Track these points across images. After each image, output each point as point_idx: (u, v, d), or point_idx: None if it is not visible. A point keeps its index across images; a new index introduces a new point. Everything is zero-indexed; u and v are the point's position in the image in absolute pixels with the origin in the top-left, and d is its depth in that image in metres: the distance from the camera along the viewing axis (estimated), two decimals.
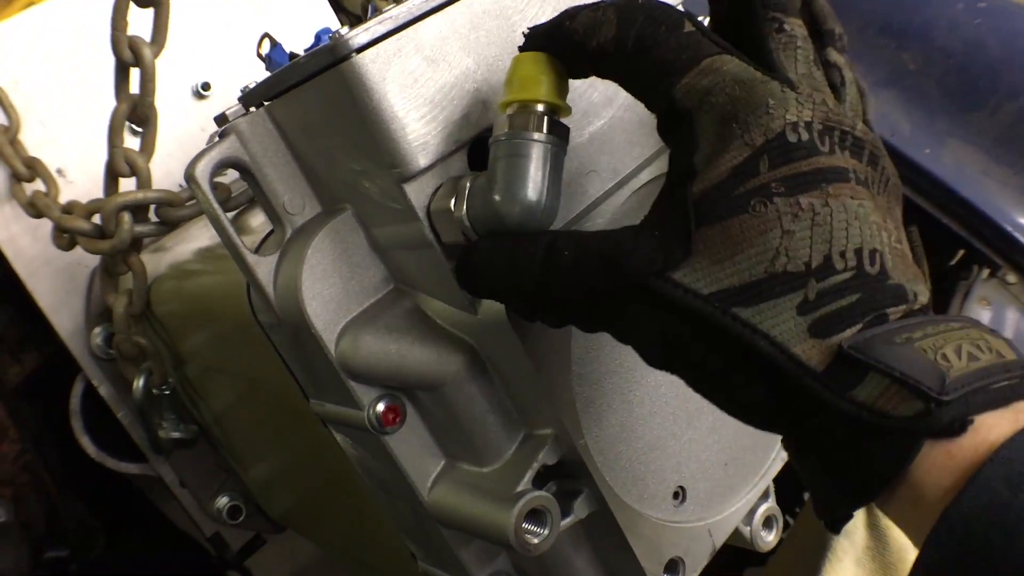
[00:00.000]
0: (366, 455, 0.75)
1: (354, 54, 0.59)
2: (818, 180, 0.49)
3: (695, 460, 0.77)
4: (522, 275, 0.55)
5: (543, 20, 0.67)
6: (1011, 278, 1.34)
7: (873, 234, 0.49)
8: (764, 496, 0.85)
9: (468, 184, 0.59)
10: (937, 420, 0.44)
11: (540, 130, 0.56)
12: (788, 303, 0.48)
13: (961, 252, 1.39)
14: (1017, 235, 1.32)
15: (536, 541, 0.64)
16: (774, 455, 0.84)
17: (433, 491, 0.71)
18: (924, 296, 0.50)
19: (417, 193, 0.62)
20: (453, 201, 0.59)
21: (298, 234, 0.69)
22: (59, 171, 1.22)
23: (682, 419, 0.75)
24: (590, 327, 0.57)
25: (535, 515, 0.64)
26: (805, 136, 0.50)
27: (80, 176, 1.24)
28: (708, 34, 0.53)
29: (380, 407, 0.68)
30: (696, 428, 0.76)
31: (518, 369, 0.65)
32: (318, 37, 0.88)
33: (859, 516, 1.08)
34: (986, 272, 1.35)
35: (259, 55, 0.90)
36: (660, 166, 0.73)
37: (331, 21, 1.41)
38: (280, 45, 0.90)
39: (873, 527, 1.07)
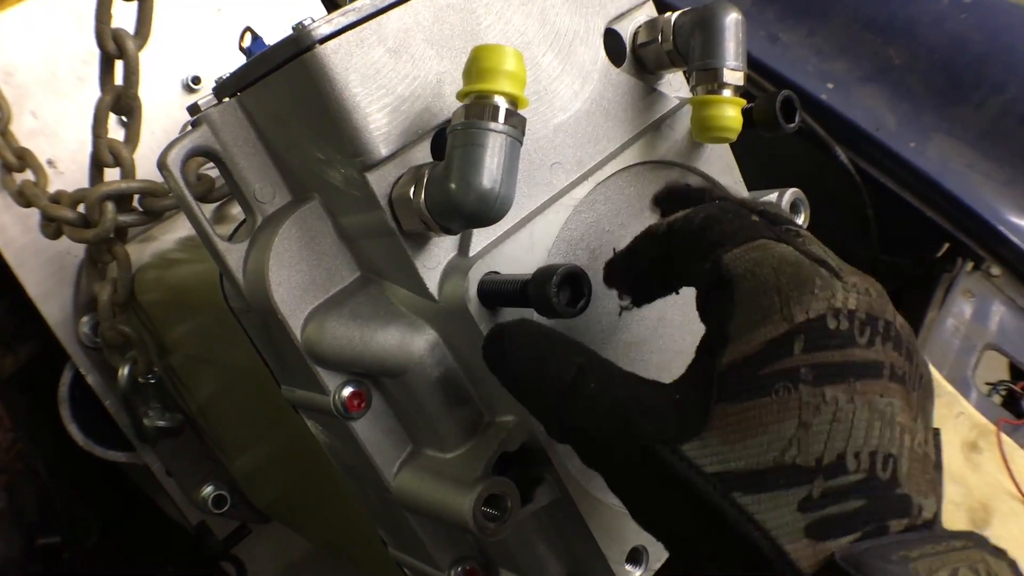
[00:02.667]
0: (336, 442, 0.76)
1: (317, 45, 0.60)
2: (848, 373, 0.47)
3: None
4: (546, 390, 0.55)
5: (509, 14, 0.68)
6: (995, 270, 1.35)
7: (893, 438, 0.47)
8: None
9: (426, 173, 0.60)
10: None
11: (496, 120, 0.57)
12: (791, 497, 0.46)
13: (946, 245, 1.39)
14: (1001, 228, 1.33)
15: (495, 526, 0.64)
16: None
17: (398, 477, 0.72)
18: (930, 510, 0.48)
19: (379, 181, 0.63)
20: (412, 189, 0.61)
21: (267, 222, 0.71)
22: (50, 162, 1.24)
23: None
24: (592, 463, 0.57)
25: (494, 500, 0.65)
26: (845, 325, 0.48)
27: (71, 167, 1.25)
28: (771, 227, 0.53)
29: (346, 392, 0.69)
30: None
31: (478, 354, 0.65)
32: (295, 30, 0.89)
33: None
34: (970, 265, 1.35)
35: (241, 48, 0.91)
36: (625, 159, 0.74)
37: (321, 12, 1.42)
38: (261, 39, 0.91)
39: None
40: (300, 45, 0.60)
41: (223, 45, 1.33)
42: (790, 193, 0.88)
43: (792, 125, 0.75)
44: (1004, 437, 1.16)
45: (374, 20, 0.62)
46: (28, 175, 1.16)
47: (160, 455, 1.29)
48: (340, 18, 0.61)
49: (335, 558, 1.35)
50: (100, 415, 1.29)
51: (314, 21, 0.61)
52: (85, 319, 1.23)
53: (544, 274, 0.57)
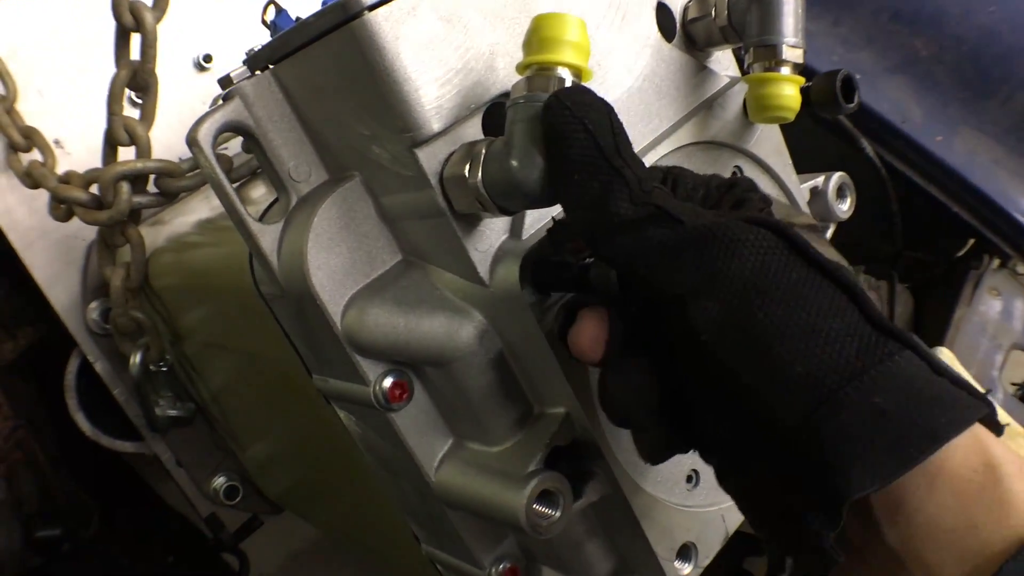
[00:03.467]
0: (370, 433, 0.73)
1: (366, 11, 0.57)
2: None
3: None
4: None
5: None
6: (1022, 268, 1.33)
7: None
8: None
9: (483, 149, 0.57)
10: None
11: None
12: None
13: (971, 241, 1.37)
14: None
15: (547, 523, 0.61)
16: None
17: (440, 471, 0.69)
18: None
19: (429, 159, 0.59)
20: (468, 167, 0.57)
21: (304, 202, 0.67)
22: (57, 142, 1.19)
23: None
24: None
25: (546, 496, 0.61)
26: None
27: (79, 147, 1.21)
28: None
29: (387, 383, 0.65)
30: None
31: (531, 345, 0.62)
32: (325, 2, 0.86)
33: None
34: (996, 262, 1.33)
35: (263, 22, 0.87)
36: (678, 138, 0.71)
37: None
38: (286, 11, 0.87)
39: None
40: (348, 11, 0.57)
41: (235, 23, 1.29)
42: (836, 177, 0.85)
43: (851, 105, 0.72)
44: None
45: None
46: (35, 155, 1.12)
47: (171, 445, 1.25)
48: None
49: (347, 549, 1.32)
50: (107, 404, 1.25)
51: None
52: (94, 305, 1.19)
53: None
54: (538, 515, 0.61)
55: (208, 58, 1.26)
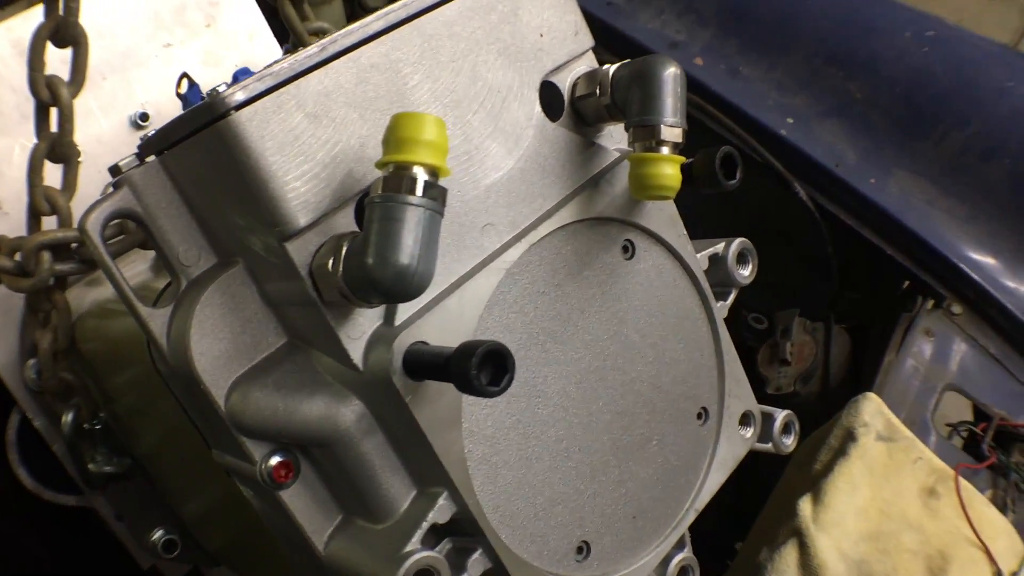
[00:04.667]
0: (267, 508, 0.74)
1: (232, 112, 0.58)
2: None
3: (600, 514, 0.76)
4: None
5: (437, 72, 0.66)
6: (956, 308, 1.33)
7: None
8: (679, 546, 0.84)
9: (345, 245, 0.58)
10: None
11: (414, 192, 0.55)
12: None
13: (906, 283, 1.38)
14: (962, 266, 1.32)
15: None
16: (688, 505, 0.83)
17: (329, 547, 0.70)
18: None
19: (299, 251, 0.61)
20: (331, 261, 0.59)
21: (192, 286, 0.68)
22: None
23: (586, 473, 0.74)
24: None
25: (424, 575, 0.63)
26: None
27: (17, 207, 1.22)
28: None
29: (272, 462, 0.67)
30: (601, 482, 0.75)
31: (404, 426, 0.64)
32: (235, 77, 0.88)
33: (792, 556, 1.07)
34: (931, 303, 1.34)
35: (178, 95, 0.89)
36: (562, 216, 0.73)
37: (272, 52, 1.39)
38: (197, 86, 0.89)
39: (805, 567, 1.07)
40: (214, 112, 0.58)
41: (170, 82, 1.30)
42: (737, 243, 0.86)
43: (733, 182, 0.74)
44: (963, 482, 1.15)
45: (292, 84, 0.60)
46: None
47: (109, 499, 1.26)
48: (256, 83, 0.59)
49: None
50: (51, 458, 1.25)
51: (228, 87, 0.59)
52: (31, 363, 1.19)
53: (464, 352, 0.55)
54: None
55: (145, 117, 1.27)
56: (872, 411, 1.20)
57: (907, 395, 1.27)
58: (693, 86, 1.42)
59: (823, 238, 1.39)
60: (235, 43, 1.34)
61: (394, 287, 0.55)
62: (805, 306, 1.43)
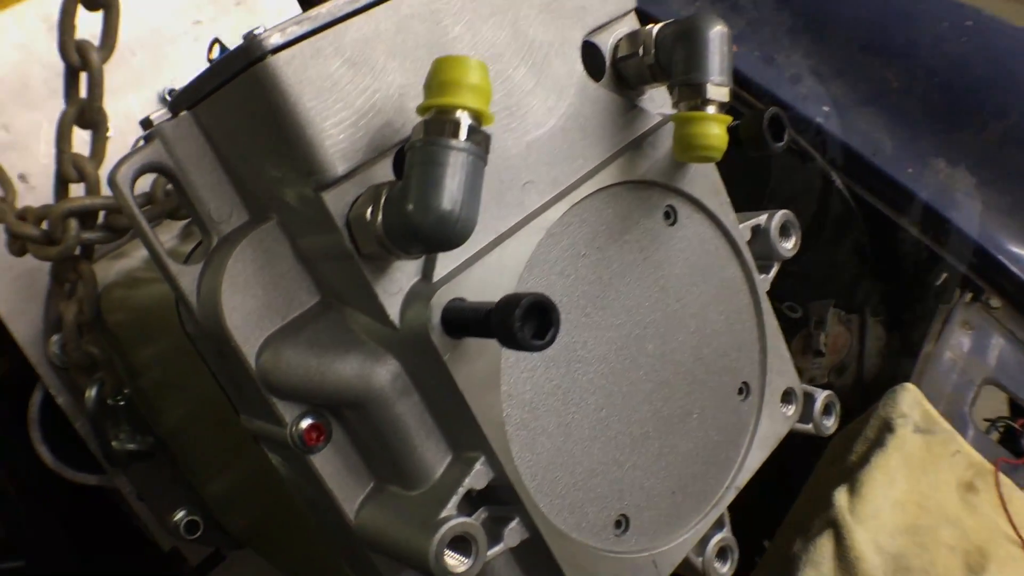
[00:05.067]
0: (295, 475, 0.72)
1: (269, 55, 0.56)
2: None
3: (640, 487, 0.73)
4: None
5: (478, 25, 0.65)
6: (995, 302, 1.30)
7: None
8: (718, 525, 0.81)
9: (384, 194, 0.56)
10: None
11: (457, 136, 0.53)
12: None
13: (944, 275, 1.35)
14: (1001, 258, 1.29)
15: (461, 570, 0.60)
16: (728, 483, 0.80)
17: (361, 514, 0.68)
18: None
19: (335, 201, 0.59)
20: (370, 210, 0.57)
21: (223, 243, 0.67)
22: (22, 176, 1.20)
23: (625, 444, 0.72)
24: None
25: (459, 543, 0.60)
26: None
27: (44, 181, 1.21)
28: None
29: (303, 424, 0.65)
30: (642, 454, 0.73)
31: (442, 386, 0.62)
32: (245, 39, 0.86)
33: (827, 547, 1.05)
34: (969, 296, 1.31)
35: (209, 60, 0.87)
36: (603, 178, 0.70)
37: None
38: (229, 51, 0.87)
39: (841, 559, 1.04)
40: (251, 56, 0.57)
41: (201, 59, 1.29)
42: (780, 215, 0.84)
43: (780, 144, 0.71)
44: (1002, 477, 1.11)
45: (331, 30, 0.58)
46: None
47: (131, 478, 1.24)
48: (295, 27, 0.57)
49: None
50: (73, 436, 1.24)
51: (267, 30, 0.57)
52: (55, 338, 1.18)
53: (508, 304, 0.53)
54: (450, 561, 0.60)
55: (173, 92, 1.26)
56: (910, 402, 1.17)
57: (945, 388, 1.24)
58: None
59: (859, 227, 1.36)
60: (265, 21, 1.33)
61: (436, 233, 0.53)
62: (840, 297, 1.41)
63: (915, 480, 1.11)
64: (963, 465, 1.13)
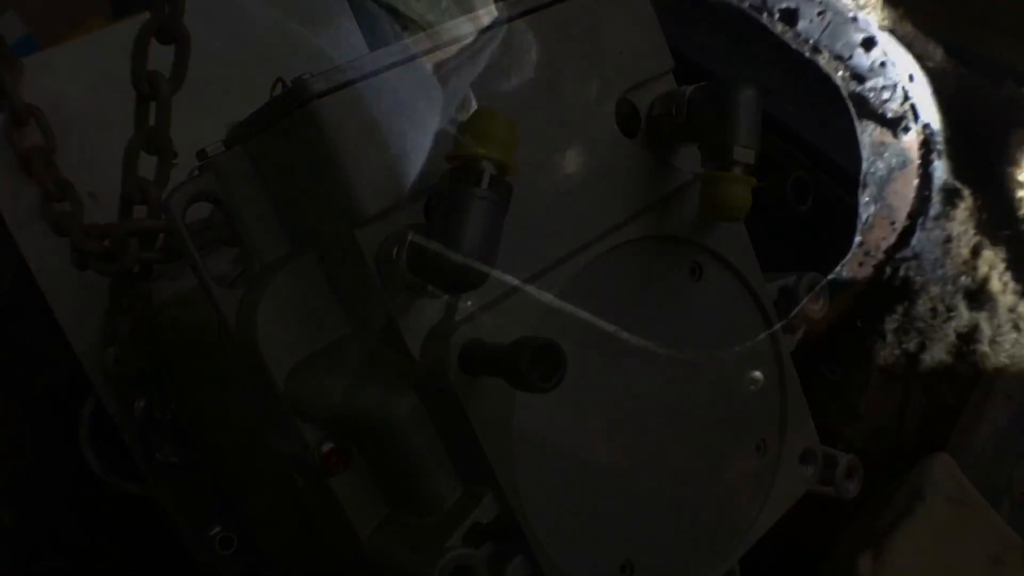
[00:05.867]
0: (315, 496, 0.75)
1: (314, 99, 0.60)
2: None
3: (648, 536, 0.75)
4: None
5: (516, 78, 0.68)
6: None
7: None
8: None
9: (411, 234, 0.60)
10: None
11: (479, 185, 0.56)
12: None
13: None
14: None
15: None
16: (739, 538, 0.81)
17: (373, 539, 0.71)
18: None
19: (367, 240, 0.62)
20: (396, 250, 0.60)
21: (264, 272, 0.70)
22: (91, 194, 1.26)
23: (637, 492, 0.74)
24: None
25: (461, 573, 0.63)
26: None
27: (112, 200, 1.27)
28: None
29: (325, 448, 0.68)
30: (652, 503, 0.75)
31: (455, 421, 0.64)
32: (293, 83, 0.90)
33: None
34: None
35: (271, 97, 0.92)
36: (629, 231, 0.73)
37: None
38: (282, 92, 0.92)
39: None
40: (297, 99, 0.61)
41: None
42: (809, 277, 0.85)
43: (804, 207, 0.73)
44: None
45: (374, 78, 0.62)
46: (66, 205, 1.19)
47: (173, 491, 1.28)
48: (339, 74, 0.61)
49: None
50: (119, 446, 1.29)
51: (313, 76, 0.61)
52: (111, 350, 1.24)
53: (519, 346, 0.56)
54: None
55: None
56: (944, 472, 1.16)
57: (982, 461, 1.23)
58: None
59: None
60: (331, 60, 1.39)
61: (454, 275, 0.56)
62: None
63: (942, 550, 1.10)
64: (992, 538, 1.12)
